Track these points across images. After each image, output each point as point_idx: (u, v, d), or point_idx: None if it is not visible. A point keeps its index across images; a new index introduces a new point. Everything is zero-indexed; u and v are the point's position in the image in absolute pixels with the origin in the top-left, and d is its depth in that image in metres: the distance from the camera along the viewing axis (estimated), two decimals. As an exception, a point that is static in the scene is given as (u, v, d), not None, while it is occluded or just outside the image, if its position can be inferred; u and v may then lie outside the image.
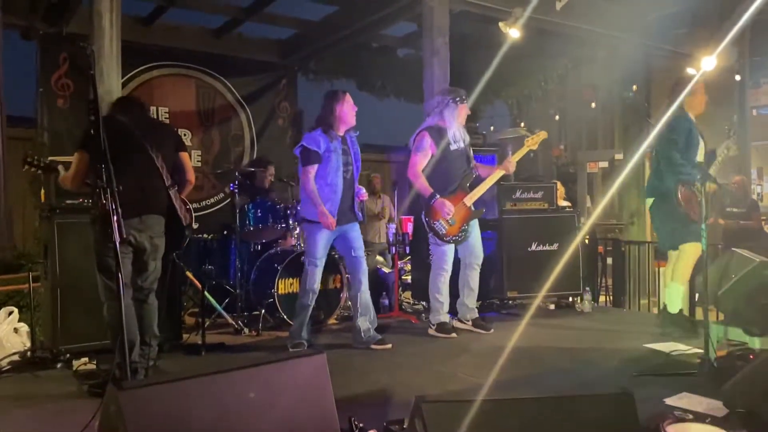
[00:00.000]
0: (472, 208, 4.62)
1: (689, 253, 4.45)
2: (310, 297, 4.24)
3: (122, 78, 6.74)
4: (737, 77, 7.38)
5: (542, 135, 4.83)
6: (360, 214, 4.39)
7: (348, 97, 4.25)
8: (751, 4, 5.83)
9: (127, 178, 3.39)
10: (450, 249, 4.62)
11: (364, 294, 4.33)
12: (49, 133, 6.46)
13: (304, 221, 4.32)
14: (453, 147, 4.56)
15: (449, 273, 4.64)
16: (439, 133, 4.55)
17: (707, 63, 6.65)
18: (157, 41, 7.06)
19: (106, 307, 3.32)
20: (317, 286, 4.26)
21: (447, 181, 4.57)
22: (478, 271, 4.73)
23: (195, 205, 7.28)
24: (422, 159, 4.53)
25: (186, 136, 7.30)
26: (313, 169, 4.13)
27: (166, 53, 7.17)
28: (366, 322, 4.31)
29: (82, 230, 3.62)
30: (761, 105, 8.88)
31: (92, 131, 2.31)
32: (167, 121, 7.15)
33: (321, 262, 4.23)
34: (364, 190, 4.44)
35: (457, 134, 4.58)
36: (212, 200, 7.48)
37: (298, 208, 5.24)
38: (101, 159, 2.50)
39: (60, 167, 3.57)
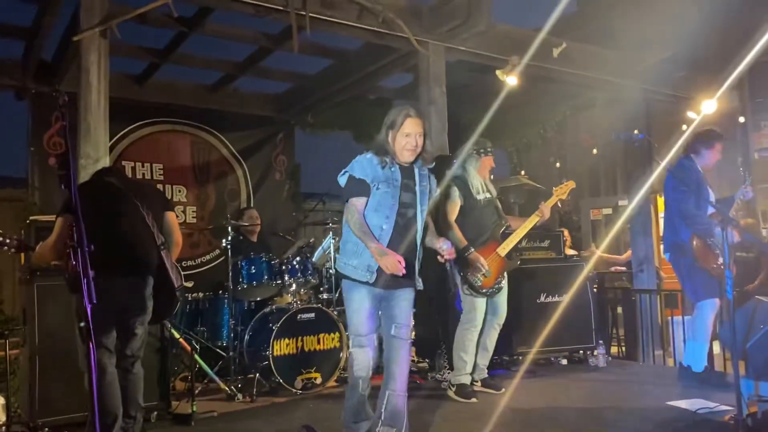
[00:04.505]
0: (506, 259, 4.42)
1: (707, 309, 4.26)
2: (359, 386, 3.10)
3: (117, 135, 6.77)
4: (741, 119, 7.27)
5: (570, 185, 4.73)
6: (420, 282, 3.21)
7: (406, 122, 3.13)
8: (753, 48, 5.76)
9: (116, 236, 3.23)
10: (483, 302, 4.36)
11: (396, 398, 3.06)
12: (40, 192, 6.33)
13: (343, 277, 3.20)
14: (479, 197, 4.41)
15: (479, 329, 4.36)
16: (464, 183, 4.41)
17: (708, 106, 6.56)
18: (152, 98, 6.99)
19: (87, 377, 3.07)
20: (367, 373, 3.09)
21: (478, 231, 4.39)
22: (498, 331, 4.50)
23: (190, 263, 7.10)
24: (453, 208, 4.36)
25: (181, 192, 7.18)
26: (359, 201, 3.12)
27: (161, 110, 7.09)
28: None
29: (64, 294, 3.37)
30: (763, 147, 8.74)
31: (62, 186, 2.12)
32: (162, 177, 7.05)
33: (369, 341, 3.07)
34: (448, 245, 3.22)
35: (482, 186, 4.43)
36: (208, 257, 7.26)
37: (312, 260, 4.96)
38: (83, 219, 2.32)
39: (38, 246, 3.32)
